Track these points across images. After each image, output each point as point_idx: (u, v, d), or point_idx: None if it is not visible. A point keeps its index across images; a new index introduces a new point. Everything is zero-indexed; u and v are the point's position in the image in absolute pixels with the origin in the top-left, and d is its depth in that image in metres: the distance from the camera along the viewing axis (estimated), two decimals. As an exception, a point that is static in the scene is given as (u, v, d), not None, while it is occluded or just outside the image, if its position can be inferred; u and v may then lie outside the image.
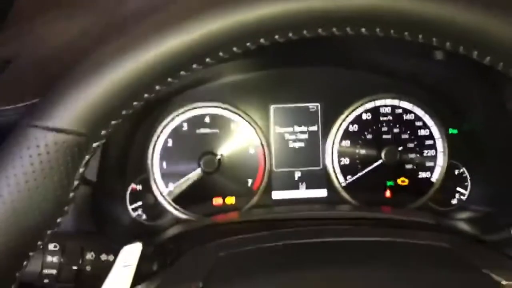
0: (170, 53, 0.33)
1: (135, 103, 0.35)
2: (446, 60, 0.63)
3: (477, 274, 0.37)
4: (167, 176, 0.76)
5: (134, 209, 0.76)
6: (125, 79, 0.33)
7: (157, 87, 0.34)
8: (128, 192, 0.76)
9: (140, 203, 0.76)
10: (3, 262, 0.33)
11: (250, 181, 0.77)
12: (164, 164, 0.76)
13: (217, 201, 0.77)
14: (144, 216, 0.77)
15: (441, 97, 0.77)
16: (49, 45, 0.67)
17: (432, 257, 0.41)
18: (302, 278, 0.36)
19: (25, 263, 0.36)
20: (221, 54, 0.34)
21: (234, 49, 0.33)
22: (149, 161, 0.76)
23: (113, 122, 0.35)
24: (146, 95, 0.34)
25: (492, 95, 0.67)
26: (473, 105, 0.74)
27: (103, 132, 0.35)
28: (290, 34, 0.33)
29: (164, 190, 0.76)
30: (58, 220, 0.36)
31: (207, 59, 0.34)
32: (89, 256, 0.50)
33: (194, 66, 0.34)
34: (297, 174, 0.78)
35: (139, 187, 0.77)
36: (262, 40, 0.33)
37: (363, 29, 0.34)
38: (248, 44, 0.33)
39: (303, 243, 0.44)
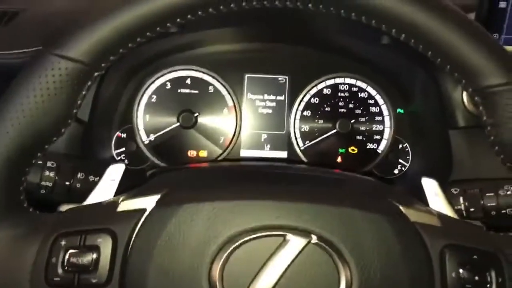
0: (159, 8, 0.43)
1: (129, 44, 0.45)
2: (392, 45, 0.74)
3: (382, 200, 0.49)
4: (149, 128, 0.87)
5: (118, 154, 0.87)
6: (123, 25, 0.44)
7: (148, 34, 0.45)
8: (113, 139, 0.87)
9: (123, 149, 0.87)
10: (19, 157, 0.44)
11: (222, 138, 0.88)
12: (147, 117, 0.87)
13: (191, 153, 0.88)
14: (126, 161, 0.87)
15: (392, 80, 0.88)
16: (54, 3, 0.77)
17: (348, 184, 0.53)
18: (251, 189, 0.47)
19: (33, 161, 0.47)
20: None
21: None
22: (134, 113, 0.86)
23: (112, 57, 0.45)
24: (138, 39, 0.45)
25: (430, 79, 0.78)
26: (416, 88, 0.86)
27: (103, 65, 0.45)
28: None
29: (145, 140, 0.87)
30: (62, 130, 0.46)
31: (189, 16, 0.44)
32: (80, 175, 0.60)
33: (178, 20, 0.45)
34: (263, 136, 0.90)
35: (123, 135, 0.87)
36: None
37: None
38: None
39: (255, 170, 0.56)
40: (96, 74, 0.45)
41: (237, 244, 0.43)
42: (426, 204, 0.53)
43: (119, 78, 0.83)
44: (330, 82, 0.88)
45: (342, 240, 0.43)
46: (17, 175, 0.45)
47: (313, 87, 0.88)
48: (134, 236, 0.45)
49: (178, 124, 0.86)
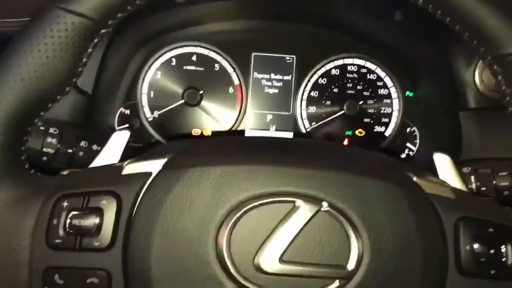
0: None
1: (137, 1, 0.44)
2: (404, 22, 0.72)
3: (396, 170, 0.48)
4: (153, 105, 0.85)
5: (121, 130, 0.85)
6: None
7: None
8: (117, 115, 0.85)
9: (126, 125, 0.85)
10: (21, 115, 0.43)
11: (227, 117, 0.87)
12: (152, 93, 0.85)
13: (196, 131, 0.86)
14: (130, 139, 0.85)
15: (401, 62, 0.87)
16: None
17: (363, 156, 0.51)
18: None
19: (36, 120, 0.45)
20: None
21: None
22: (138, 89, 0.85)
23: (119, 14, 0.44)
24: None
25: (441, 60, 0.77)
26: (427, 71, 0.84)
27: (110, 22, 0.44)
28: None
29: (149, 116, 0.85)
30: (67, 89, 0.45)
31: None
32: (83, 144, 0.59)
33: None
34: (269, 117, 0.88)
35: (127, 111, 0.86)
36: None
37: None
38: None
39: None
40: (103, 31, 0.44)
41: (245, 209, 0.42)
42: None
43: (124, 52, 0.82)
44: (339, 62, 0.87)
45: (354, 209, 0.42)
46: (19, 135, 0.44)
47: (321, 67, 0.87)
48: (139, 199, 0.43)
49: (183, 101, 0.84)
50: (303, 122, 0.87)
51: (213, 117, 0.86)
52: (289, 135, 0.88)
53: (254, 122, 0.87)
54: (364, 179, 0.43)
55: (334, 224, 0.42)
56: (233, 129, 0.86)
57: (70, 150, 0.57)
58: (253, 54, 0.87)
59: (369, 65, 0.87)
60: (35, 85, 0.42)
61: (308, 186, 0.42)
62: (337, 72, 0.87)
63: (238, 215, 0.42)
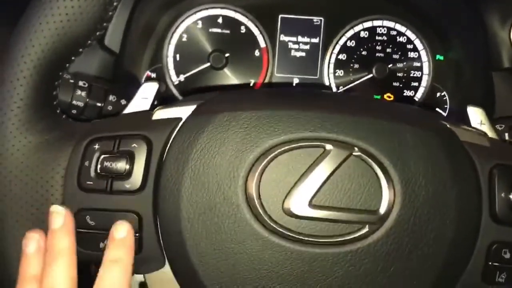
0: None
1: None
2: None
3: (430, 118, 0.47)
4: (179, 68, 0.85)
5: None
6: None
7: None
8: (143, 78, 0.85)
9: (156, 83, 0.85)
10: (54, 58, 0.43)
11: (252, 81, 0.86)
12: (178, 56, 0.85)
13: (221, 95, 0.86)
14: (155, 102, 0.86)
15: (432, 25, 0.84)
16: None
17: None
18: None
19: (67, 65, 0.45)
20: None
21: None
22: (164, 52, 0.85)
23: None
24: None
25: (475, 19, 0.74)
26: (459, 33, 0.81)
27: None
28: None
29: (175, 80, 0.85)
30: (98, 33, 0.45)
31: None
32: (111, 98, 0.59)
33: None
34: (296, 81, 0.87)
35: (153, 74, 0.86)
36: None
37: None
38: None
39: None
40: None
41: (275, 154, 0.42)
42: None
43: (151, 13, 0.81)
44: (368, 24, 0.85)
45: (386, 154, 0.41)
46: (52, 78, 0.44)
47: (349, 29, 0.85)
48: (169, 143, 0.43)
49: (208, 64, 0.84)
50: (330, 86, 0.86)
51: (239, 80, 0.85)
52: (316, 99, 0.86)
53: (281, 86, 0.86)
54: (396, 124, 0.42)
55: (365, 169, 0.41)
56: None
57: (99, 104, 0.58)
58: (280, 16, 0.85)
59: (398, 27, 0.85)
60: (66, 28, 0.42)
61: (339, 131, 0.42)
62: (366, 34, 0.85)
63: (268, 159, 0.42)
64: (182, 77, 0.85)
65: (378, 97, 0.86)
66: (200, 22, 0.85)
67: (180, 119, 0.44)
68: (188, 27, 0.85)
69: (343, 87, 0.86)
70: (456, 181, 0.41)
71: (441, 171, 0.41)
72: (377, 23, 0.85)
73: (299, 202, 0.41)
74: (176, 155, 0.43)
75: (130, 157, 0.43)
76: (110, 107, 0.59)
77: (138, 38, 0.81)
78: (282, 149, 0.42)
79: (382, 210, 0.41)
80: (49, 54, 0.42)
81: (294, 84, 0.87)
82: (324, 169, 0.41)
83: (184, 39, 0.85)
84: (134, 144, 0.43)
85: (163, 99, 0.84)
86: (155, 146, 0.43)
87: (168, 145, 0.43)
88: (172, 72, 0.85)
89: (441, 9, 0.81)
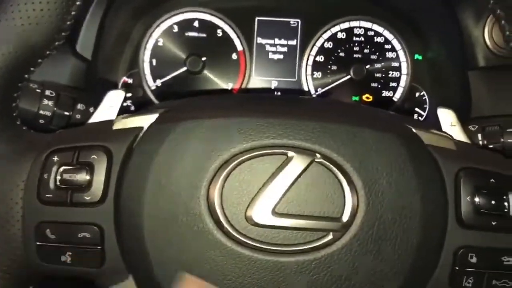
0: None
1: None
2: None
3: (394, 121, 0.46)
4: (156, 73, 0.85)
5: (124, 100, 0.84)
6: None
7: None
8: (120, 84, 0.85)
9: (130, 94, 0.85)
10: (12, 69, 0.42)
11: (230, 84, 0.85)
12: (154, 61, 0.84)
13: (199, 99, 0.85)
14: (132, 108, 0.85)
15: (410, 24, 0.84)
16: None
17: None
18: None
19: (26, 76, 0.44)
20: None
21: None
22: (140, 57, 0.84)
23: None
24: None
25: (450, 18, 0.74)
26: (435, 31, 0.81)
27: None
28: None
29: (152, 85, 0.85)
30: (56, 43, 0.44)
31: None
32: (80, 106, 0.58)
33: None
34: (274, 83, 0.86)
35: (130, 80, 0.85)
36: None
37: None
38: None
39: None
40: None
41: (237, 162, 0.41)
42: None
43: (125, 18, 0.81)
44: (345, 25, 0.84)
45: (349, 160, 0.41)
46: (10, 90, 0.43)
47: (326, 30, 0.84)
48: (130, 153, 0.43)
49: (185, 68, 0.83)
50: (308, 88, 0.85)
51: (216, 84, 0.85)
52: (295, 101, 0.86)
53: (259, 89, 0.86)
54: (359, 129, 0.41)
55: (328, 175, 0.41)
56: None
57: (67, 113, 0.57)
58: (257, 18, 0.85)
59: (376, 27, 0.84)
60: (23, 39, 0.41)
61: (301, 138, 0.41)
62: (343, 35, 0.85)
63: (230, 167, 0.41)
64: (158, 82, 0.85)
65: (357, 98, 0.85)
66: (176, 27, 0.84)
67: (141, 128, 0.44)
68: (164, 32, 0.84)
69: (321, 88, 0.85)
70: (421, 185, 0.41)
71: (404, 175, 0.41)
72: (354, 23, 0.85)
73: (262, 211, 0.40)
74: (136, 165, 0.42)
75: (90, 169, 0.42)
76: (78, 116, 0.58)
77: (113, 44, 0.80)
78: (244, 157, 0.41)
79: (346, 216, 0.40)
80: (5, 66, 0.41)
81: (272, 88, 0.86)
82: (286, 177, 0.41)
83: (160, 43, 0.84)
84: (94, 156, 0.42)
85: (141, 104, 0.84)
86: (115, 157, 0.43)
87: (129, 155, 0.42)
88: (148, 77, 0.85)
89: (418, 8, 0.81)
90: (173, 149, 0.41)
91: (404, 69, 0.85)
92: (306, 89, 0.85)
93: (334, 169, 0.41)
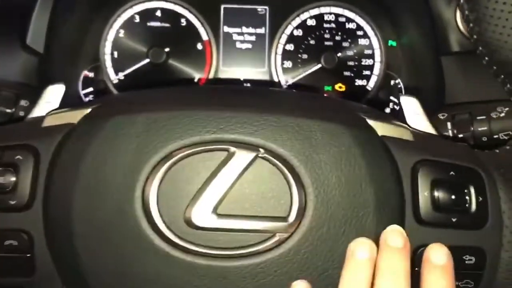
0: None
1: None
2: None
3: (346, 112, 0.43)
4: (118, 66, 0.81)
5: (86, 95, 0.81)
6: None
7: None
8: (80, 78, 0.81)
9: (91, 89, 0.81)
10: None
11: (197, 76, 0.82)
12: (116, 53, 0.81)
13: (164, 92, 0.81)
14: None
15: (383, 10, 0.80)
16: None
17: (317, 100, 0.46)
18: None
19: None
20: None
21: None
22: (101, 50, 0.80)
23: None
24: None
25: (422, 4, 0.70)
26: (407, 15, 0.78)
27: None
28: None
29: (113, 78, 0.81)
30: None
31: None
32: (23, 103, 0.55)
33: None
34: (243, 74, 0.83)
35: (91, 74, 0.81)
36: None
37: None
38: None
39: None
40: None
41: (174, 159, 0.38)
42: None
43: (83, 9, 0.76)
44: (315, 11, 0.81)
45: (295, 154, 0.37)
46: None
47: (295, 17, 0.81)
48: (58, 153, 0.39)
49: (148, 60, 0.79)
50: (278, 78, 0.82)
51: (181, 76, 0.81)
52: (264, 92, 0.82)
53: (226, 80, 0.82)
54: (305, 121, 0.38)
55: (273, 172, 0.38)
56: (204, 88, 0.81)
57: (8, 110, 0.53)
58: (222, 6, 0.81)
59: (347, 13, 0.81)
60: None
61: (242, 131, 0.38)
62: (313, 22, 0.81)
63: (167, 165, 0.38)
64: (121, 75, 0.81)
65: (329, 87, 0.82)
66: (137, 16, 0.80)
67: (71, 124, 0.40)
68: (125, 22, 0.80)
69: (292, 78, 0.82)
70: (374, 180, 0.38)
71: (356, 169, 0.37)
72: (324, 9, 0.81)
73: (202, 212, 0.37)
74: (65, 166, 0.38)
75: (15, 170, 0.38)
76: (22, 113, 0.54)
77: (70, 36, 0.76)
78: (182, 154, 0.38)
79: (293, 216, 0.37)
80: None
81: (242, 79, 0.82)
82: (228, 174, 0.37)
83: (121, 34, 0.80)
84: (19, 156, 0.38)
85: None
86: (43, 157, 0.39)
87: (57, 155, 0.39)
88: (110, 70, 0.81)
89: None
90: (103, 148, 0.38)
91: (377, 57, 0.81)
92: (276, 79, 0.82)
93: (280, 164, 0.37)
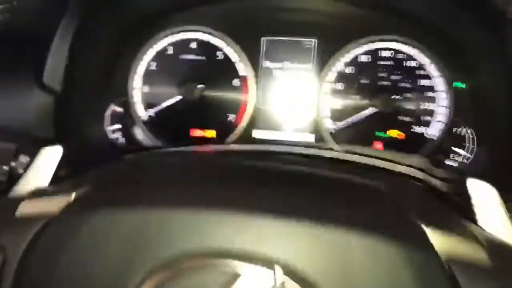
0: None
1: None
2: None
3: (398, 214, 0.32)
4: (148, 101, 0.74)
5: (113, 131, 0.75)
6: None
7: None
8: (109, 113, 0.74)
9: (118, 126, 0.74)
10: None
11: (231, 115, 0.73)
12: (146, 88, 0.74)
13: (196, 133, 0.74)
14: (121, 140, 0.75)
15: (450, 45, 0.68)
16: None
17: (359, 195, 0.36)
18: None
19: None
20: None
21: None
22: (130, 84, 0.73)
23: None
24: None
25: (500, 40, 0.58)
26: (484, 56, 0.65)
27: None
28: None
29: (143, 115, 0.74)
30: None
31: None
32: (23, 159, 0.48)
33: None
34: (283, 115, 0.73)
35: (119, 109, 0.75)
36: None
37: None
38: None
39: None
40: None
41: (170, 274, 0.29)
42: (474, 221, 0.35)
43: (111, 41, 0.70)
44: (369, 46, 0.70)
45: (322, 277, 0.28)
46: None
47: (347, 52, 0.70)
48: (29, 253, 0.31)
49: (180, 97, 0.72)
50: (325, 120, 0.72)
51: (216, 115, 0.73)
52: (309, 137, 0.73)
53: (265, 121, 0.73)
54: (340, 232, 0.28)
55: None
56: (237, 128, 0.73)
57: (5, 167, 0.47)
58: (263, 38, 0.72)
59: (407, 49, 0.69)
60: None
61: (260, 244, 0.28)
62: (367, 58, 0.70)
63: (159, 281, 0.29)
64: (151, 112, 0.74)
65: (382, 133, 0.71)
66: (171, 48, 0.73)
67: (48, 215, 0.32)
68: (157, 54, 0.73)
69: (341, 122, 0.71)
70: None
71: None
72: (380, 44, 0.70)
73: None
74: (37, 268, 0.31)
75: None
76: (21, 170, 0.48)
77: (95, 69, 0.70)
78: (180, 268, 0.29)
79: None
80: None
81: (281, 118, 0.73)
82: None
83: (153, 67, 0.73)
84: None
85: (131, 138, 0.74)
86: (10, 257, 0.32)
87: (28, 254, 0.31)
88: (139, 106, 0.74)
89: (458, 27, 0.65)
90: (81, 255, 0.30)
91: (441, 100, 0.69)
92: (322, 122, 0.72)
93: None
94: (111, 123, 0.74)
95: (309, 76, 0.72)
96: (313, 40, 0.72)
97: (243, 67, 0.72)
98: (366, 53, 0.71)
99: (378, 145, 0.71)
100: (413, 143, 0.70)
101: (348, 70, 0.71)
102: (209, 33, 0.72)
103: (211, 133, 0.74)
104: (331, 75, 0.71)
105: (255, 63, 0.72)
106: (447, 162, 0.70)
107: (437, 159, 0.70)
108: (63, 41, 0.60)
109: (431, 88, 0.69)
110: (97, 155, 0.71)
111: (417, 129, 0.70)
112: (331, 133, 0.72)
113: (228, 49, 0.72)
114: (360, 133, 0.71)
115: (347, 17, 0.71)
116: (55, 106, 0.61)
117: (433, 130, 0.70)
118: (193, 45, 0.72)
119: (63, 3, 0.57)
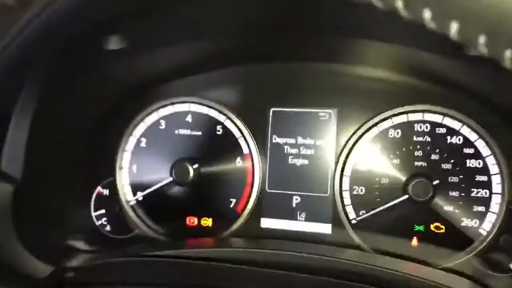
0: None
1: None
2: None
3: None
4: (137, 183, 0.64)
5: (98, 217, 0.64)
6: None
7: None
8: (93, 197, 0.64)
9: (103, 211, 0.64)
10: None
11: (233, 201, 0.61)
12: (135, 168, 0.64)
13: (191, 220, 0.62)
14: (108, 227, 0.64)
15: (504, 117, 0.54)
16: None
17: None
18: None
19: None
20: None
21: None
22: (117, 163, 0.63)
23: None
24: None
25: None
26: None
27: None
28: None
29: (131, 199, 0.63)
30: None
31: None
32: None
33: None
34: (296, 200, 0.61)
35: (105, 191, 0.64)
36: None
37: None
38: None
39: None
40: None
41: None
42: None
43: (98, 114, 0.61)
44: (400, 119, 0.57)
45: None
46: None
47: (372, 126, 0.58)
48: None
49: (171, 179, 0.61)
50: (346, 209, 0.58)
51: (214, 200, 0.61)
52: (326, 228, 0.59)
53: (274, 208, 0.61)
54: None
55: None
56: (241, 217, 0.60)
57: None
58: (272, 109, 0.61)
59: (450, 122, 0.56)
60: None
61: None
62: (398, 133, 0.58)
63: None
64: (140, 195, 0.63)
65: (421, 228, 0.56)
66: (163, 122, 0.63)
67: None
68: (148, 129, 0.63)
69: (366, 211, 0.58)
70: None
71: None
72: (414, 116, 0.57)
73: None
74: None
75: None
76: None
77: (77, 149, 0.60)
78: None
79: None
80: None
81: (293, 205, 0.60)
82: None
83: (143, 144, 0.63)
84: None
85: (118, 223, 0.63)
86: None
87: None
88: (127, 188, 0.64)
89: (509, 94, 0.51)
90: None
91: (496, 186, 0.54)
92: (342, 210, 0.59)
93: None
94: (95, 208, 0.64)
95: (325, 154, 0.60)
96: (330, 111, 0.59)
97: (245, 144, 0.60)
98: (395, 126, 0.57)
99: (413, 241, 0.56)
100: (462, 240, 0.55)
101: (374, 147, 0.58)
102: (208, 106, 0.61)
103: (206, 222, 0.62)
104: (353, 153, 0.58)
105: (261, 139, 0.61)
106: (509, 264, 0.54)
107: (492, 259, 0.55)
108: (23, 118, 0.51)
109: (483, 171, 0.54)
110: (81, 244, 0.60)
111: (467, 222, 0.55)
112: (353, 224, 0.58)
113: (229, 123, 0.61)
114: (391, 226, 0.57)
115: (370, 84, 0.58)
116: (14, 196, 0.51)
117: (488, 224, 0.54)
118: (189, 118, 0.62)
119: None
